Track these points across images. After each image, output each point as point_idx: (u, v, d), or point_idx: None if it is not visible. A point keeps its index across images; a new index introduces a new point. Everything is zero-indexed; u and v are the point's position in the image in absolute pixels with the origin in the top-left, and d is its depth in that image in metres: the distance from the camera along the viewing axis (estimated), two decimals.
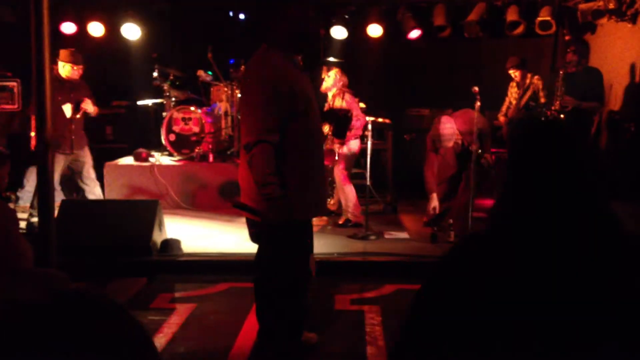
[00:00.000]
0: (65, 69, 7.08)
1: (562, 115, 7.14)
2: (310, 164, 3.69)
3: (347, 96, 7.18)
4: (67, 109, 7.07)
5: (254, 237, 3.90)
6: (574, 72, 7.24)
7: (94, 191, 7.39)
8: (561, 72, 7.26)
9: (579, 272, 1.45)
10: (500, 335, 1.44)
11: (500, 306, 1.45)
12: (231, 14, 9.72)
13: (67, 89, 7.12)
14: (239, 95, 3.57)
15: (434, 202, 6.73)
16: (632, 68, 7.43)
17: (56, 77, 6.87)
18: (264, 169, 3.44)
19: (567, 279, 1.45)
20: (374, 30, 9.10)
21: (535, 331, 1.42)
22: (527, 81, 8.08)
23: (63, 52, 7.11)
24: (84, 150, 7.36)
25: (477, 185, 6.63)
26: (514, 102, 8.21)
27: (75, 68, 7.12)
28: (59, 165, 6.99)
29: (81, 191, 7.38)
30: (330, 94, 7.26)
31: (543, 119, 7.06)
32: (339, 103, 7.15)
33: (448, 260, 1.59)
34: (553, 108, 7.22)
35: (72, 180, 7.45)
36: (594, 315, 1.41)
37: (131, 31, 9.04)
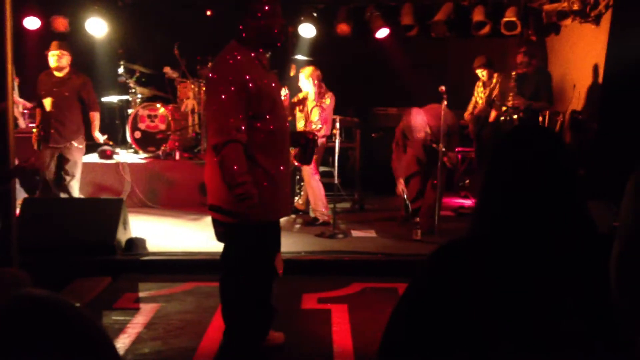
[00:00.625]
0: (51, 60, 7.02)
1: (515, 116, 7.22)
2: (277, 163, 3.66)
3: (329, 99, 7.15)
4: (47, 103, 6.97)
5: (220, 237, 3.87)
6: (526, 73, 7.36)
7: (69, 190, 7.23)
8: (513, 74, 7.40)
9: (560, 275, 1.46)
10: (481, 338, 1.44)
11: (482, 310, 1.45)
12: (198, 10, 9.63)
13: (53, 83, 7.02)
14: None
15: (402, 185, 6.83)
16: (595, 68, 7.54)
17: (48, 72, 7.06)
18: (236, 169, 3.40)
19: (548, 282, 1.46)
20: (342, 29, 9.11)
21: (516, 333, 1.42)
22: (494, 80, 8.16)
23: (51, 44, 7.07)
24: (71, 145, 7.20)
25: (444, 184, 6.70)
26: (480, 101, 8.28)
27: (58, 56, 7.00)
28: (45, 161, 6.93)
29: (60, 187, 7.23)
30: (305, 97, 7.24)
31: (506, 118, 7.14)
32: (316, 114, 7.09)
33: (431, 266, 1.59)
34: (504, 109, 7.33)
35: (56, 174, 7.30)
36: (575, 317, 1.42)
37: (96, 26, 8.91)
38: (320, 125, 7.03)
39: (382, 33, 9.06)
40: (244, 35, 3.60)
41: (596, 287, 1.45)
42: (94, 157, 8.41)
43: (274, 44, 3.67)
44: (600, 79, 7.42)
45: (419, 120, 6.51)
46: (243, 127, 3.44)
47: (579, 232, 1.52)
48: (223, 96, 3.44)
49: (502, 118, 7.53)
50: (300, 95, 7.29)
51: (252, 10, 3.56)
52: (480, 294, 1.47)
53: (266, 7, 3.58)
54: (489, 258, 1.51)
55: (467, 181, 9.00)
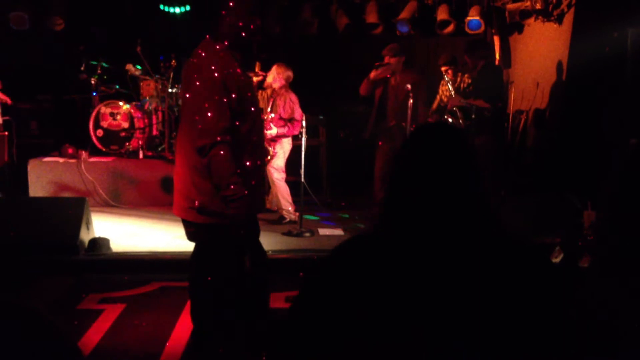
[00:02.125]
0: None
1: (449, 119, 7.22)
2: (254, 158, 3.62)
3: (292, 96, 7.14)
4: None
5: (190, 236, 3.80)
6: (479, 72, 7.38)
7: None
8: (466, 76, 7.41)
9: (459, 273, 1.48)
10: (375, 334, 1.46)
11: (379, 306, 1.47)
12: (161, 7, 9.52)
13: None
14: (182, 92, 3.44)
15: None
16: (559, 67, 7.64)
17: None
18: (227, 170, 3.37)
19: (447, 280, 1.48)
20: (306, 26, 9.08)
21: (413, 330, 1.44)
22: (458, 79, 8.21)
23: None
24: None
25: None
26: (445, 99, 8.32)
27: None
28: None
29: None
30: (270, 90, 7.23)
31: (473, 116, 7.18)
32: (281, 102, 7.10)
33: (332, 259, 1.61)
34: (448, 109, 7.40)
35: None
36: (472, 316, 1.45)
37: (56, 22, 8.72)
38: (272, 116, 7.04)
39: (403, 27, 8.96)
40: (220, 33, 3.54)
41: (493, 286, 1.47)
42: (55, 156, 8.24)
43: (249, 43, 3.62)
44: (563, 77, 7.52)
45: None
46: (229, 128, 3.40)
47: (479, 232, 1.54)
48: (207, 97, 3.37)
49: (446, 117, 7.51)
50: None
51: (229, 7, 3.50)
52: (371, 290, 1.49)
53: (244, 6, 3.53)
54: (385, 254, 1.53)
55: None
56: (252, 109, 3.60)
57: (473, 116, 7.01)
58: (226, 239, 3.62)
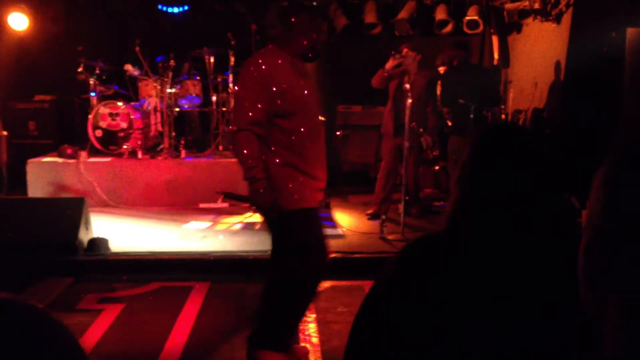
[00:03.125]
0: None
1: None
2: (306, 159, 3.74)
3: None
4: None
5: (266, 228, 4.02)
6: (467, 71, 7.38)
7: None
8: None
9: (534, 274, 1.46)
10: (452, 337, 1.43)
11: (454, 308, 1.44)
12: (159, 7, 9.52)
13: None
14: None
15: None
16: (557, 66, 7.65)
17: None
18: (244, 155, 3.59)
19: (523, 281, 1.46)
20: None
21: (488, 332, 1.42)
22: None
23: None
24: None
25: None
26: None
27: None
28: None
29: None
30: None
31: (472, 116, 7.19)
32: None
33: (403, 260, 1.57)
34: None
35: None
36: (546, 320, 1.43)
37: (56, 23, 8.71)
38: None
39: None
40: (283, 41, 3.79)
41: (566, 287, 1.46)
42: (53, 156, 8.24)
43: (315, 57, 3.88)
44: (561, 77, 7.53)
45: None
46: (260, 122, 3.60)
47: (551, 232, 1.53)
48: (246, 91, 3.66)
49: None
50: None
51: (296, 21, 3.77)
52: (451, 292, 1.45)
53: (311, 21, 3.80)
54: (463, 255, 1.49)
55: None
56: (300, 114, 3.73)
57: (472, 116, 7.01)
58: (289, 229, 3.78)
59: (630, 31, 6.38)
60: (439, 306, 1.44)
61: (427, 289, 1.47)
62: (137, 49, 8.39)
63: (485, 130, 1.69)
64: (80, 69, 8.63)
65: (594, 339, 1.37)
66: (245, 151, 3.59)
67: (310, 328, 4.52)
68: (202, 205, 7.87)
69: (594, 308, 1.07)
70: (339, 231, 6.96)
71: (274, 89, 3.61)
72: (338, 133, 9.53)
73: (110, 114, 8.36)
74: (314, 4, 8.58)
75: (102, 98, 8.69)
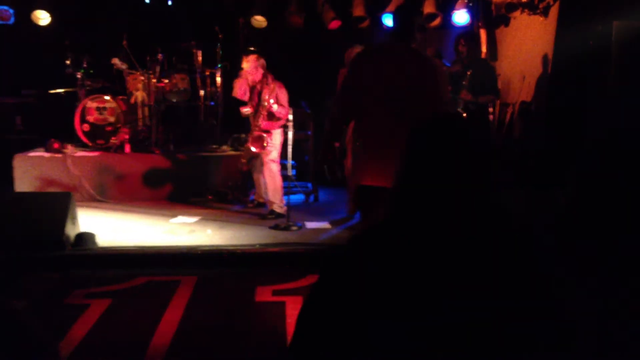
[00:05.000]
0: None
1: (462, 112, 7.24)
2: None
3: (279, 89, 7.12)
4: None
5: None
6: (469, 65, 7.40)
7: None
8: (469, 73, 7.39)
9: (472, 267, 1.49)
10: (397, 329, 1.45)
11: (395, 302, 1.46)
12: (147, 0, 9.47)
13: None
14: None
15: None
16: (544, 59, 7.66)
17: None
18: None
19: (461, 274, 1.47)
20: (295, 21, 9.06)
21: (430, 324, 1.44)
22: None
23: None
24: None
25: None
26: None
27: None
28: None
29: None
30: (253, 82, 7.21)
31: (460, 109, 7.20)
32: (267, 92, 7.07)
33: (345, 255, 1.59)
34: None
35: None
36: (487, 312, 1.45)
37: (41, 17, 8.65)
38: (272, 101, 7.01)
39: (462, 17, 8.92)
40: None
41: (503, 278, 1.48)
42: (40, 151, 8.19)
43: None
44: (549, 70, 7.55)
45: None
46: None
47: (491, 223, 1.54)
48: None
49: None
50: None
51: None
52: (391, 283, 1.48)
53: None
54: (401, 246, 1.52)
55: None
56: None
57: (459, 109, 7.03)
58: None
59: (616, 24, 6.39)
60: (379, 295, 1.46)
61: (369, 279, 1.50)
62: (125, 42, 8.35)
63: (422, 122, 1.71)
64: (67, 63, 8.58)
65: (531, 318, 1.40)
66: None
67: None
68: (190, 200, 7.87)
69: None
70: (327, 225, 6.97)
71: None
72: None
73: (98, 108, 8.33)
74: None
75: (89, 92, 8.64)
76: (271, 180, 7.19)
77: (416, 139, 1.62)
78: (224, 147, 8.67)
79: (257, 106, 7.15)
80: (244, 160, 7.38)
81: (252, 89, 7.24)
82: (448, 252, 1.48)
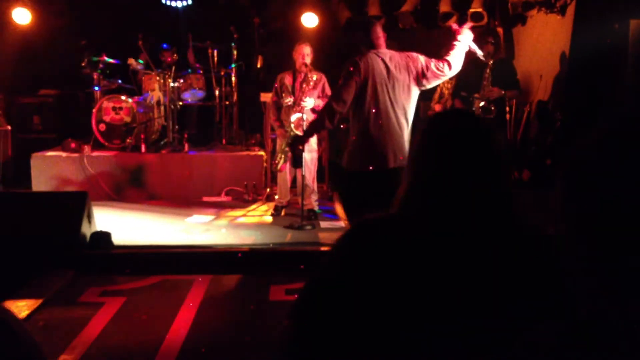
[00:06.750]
0: None
1: (481, 104, 7.17)
2: None
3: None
4: None
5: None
6: (494, 62, 7.35)
7: None
8: (490, 62, 7.30)
9: (481, 266, 1.47)
10: (402, 316, 1.44)
11: (400, 293, 1.45)
12: (163, 1, 9.50)
13: None
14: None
15: None
16: (562, 58, 7.60)
17: None
18: None
19: (471, 273, 1.46)
20: (308, 20, 9.04)
21: (428, 317, 1.42)
22: None
23: None
24: None
25: None
26: (446, 91, 8.29)
27: None
28: None
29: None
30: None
31: (474, 108, 7.16)
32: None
33: (352, 239, 1.59)
34: (478, 97, 7.32)
35: None
36: (495, 310, 1.43)
37: (58, 17, 8.71)
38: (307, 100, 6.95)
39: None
40: None
41: (520, 280, 1.46)
42: (58, 150, 8.26)
43: None
44: (566, 69, 7.48)
45: None
46: None
47: (501, 223, 1.52)
48: None
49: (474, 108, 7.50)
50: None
51: None
52: (392, 274, 1.47)
53: None
54: (409, 236, 1.51)
55: None
56: None
57: (493, 107, 7.00)
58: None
59: (633, 23, 6.33)
60: (385, 285, 1.46)
61: (375, 267, 1.48)
62: (140, 43, 8.39)
63: (433, 117, 1.71)
64: (83, 64, 8.64)
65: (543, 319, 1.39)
66: None
67: None
68: (205, 199, 7.88)
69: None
70: (342, 224, 6.95)
71: None
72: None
73: (114, 108, 8.37)
74: None
75: (105, 92, 8.70)
76: (314, 167, 7.17)
77: (431, 135, 1.61)
78: (239, 147, 8.69)
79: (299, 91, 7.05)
80: (279, 160, 7.04)
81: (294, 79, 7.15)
82: (462, 251, 1.47)
